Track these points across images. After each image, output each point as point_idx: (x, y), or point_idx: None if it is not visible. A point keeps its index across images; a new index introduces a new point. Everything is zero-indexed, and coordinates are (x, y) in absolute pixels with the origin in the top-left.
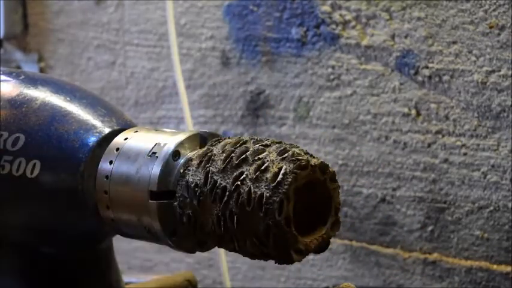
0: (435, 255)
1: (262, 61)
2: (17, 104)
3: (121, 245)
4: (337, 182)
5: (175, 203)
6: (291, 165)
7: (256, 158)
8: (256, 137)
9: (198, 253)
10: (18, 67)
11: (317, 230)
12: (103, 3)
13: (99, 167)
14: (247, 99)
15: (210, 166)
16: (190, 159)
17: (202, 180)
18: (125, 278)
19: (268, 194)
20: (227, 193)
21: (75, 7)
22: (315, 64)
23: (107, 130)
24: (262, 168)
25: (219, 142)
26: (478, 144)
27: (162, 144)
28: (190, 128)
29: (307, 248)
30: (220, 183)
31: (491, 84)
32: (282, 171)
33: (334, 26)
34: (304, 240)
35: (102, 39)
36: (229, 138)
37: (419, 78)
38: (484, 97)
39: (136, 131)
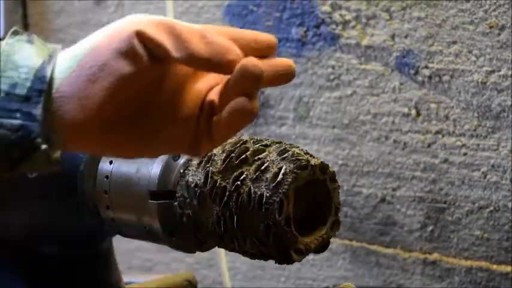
0: (435, 255)
1: None
2: None
3: (121, 245)
4: (337, 182)
5: (175, 203)
6: (291, 165)
7: (256, 158)
8: (256, 137)
9: (198, 253)
10: None
11: (317, 230)
12: (103, 3)
13: (99, 167)
14: None
15: (210, 166)
16: (190, 159)
17: (202, 180)
18: (125, 278)
19: (268, 194)
20: (227, 193)
21: (76, 7)
22: (315, 64)
23: None
24: (262, 168)
25: None
26: (478, 144)
27: None
28: None
29: (307, 248)
30: (220, 183)
31: (491, 84)
32: (282, 171)
33: (334, 26)
34: (304, 240)
35: None
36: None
37: (419, 78)
38: (484, 97)
39: None
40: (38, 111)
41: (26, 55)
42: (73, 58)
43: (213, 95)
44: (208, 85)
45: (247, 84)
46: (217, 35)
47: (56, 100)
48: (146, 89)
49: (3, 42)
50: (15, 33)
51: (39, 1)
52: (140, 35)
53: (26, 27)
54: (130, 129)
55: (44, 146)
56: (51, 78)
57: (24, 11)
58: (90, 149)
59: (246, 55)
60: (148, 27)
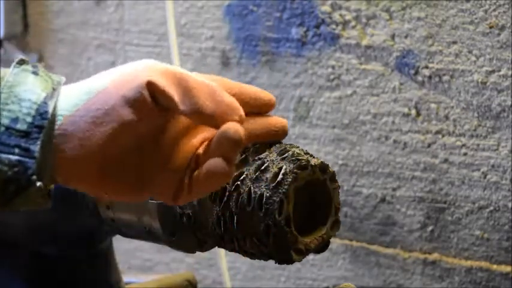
0: (435, 255)
1: (262, 61)
2: None
3: (121, 245)
4: (337, 182)
5: None
6: (291, 165)
7: (256, 158)
8: None
9: (198, 253)
10: None
11: (317, 230)
12: (103, 3)
13: None
14: None
15: None
16: None
17: None
18: (125, 278)
19: (268, 194)
20: (227, 193)
21: (75, 7)
22: (315, 64)
23: None
24: (262, 168)
25: None
26: (478, 144)
27: None
28: None
29: (307, 248)
30: None
31: (491, 84)
32: (282, 171)
33: (334, 26)
34: (304, 240)
35: (102, 39)
36: None
37: (419, 78)
38: (484, 97)
39: None
40: (36, 147)
41: (30, 87)
42: (81, 96)
43: (201, 149)
44: (203, 139)
45: (226, 148)
46: (225, 92)
47: (57, 136)
48: (147, 136)
49: (8, 72)
50: (20, 62)
51: (39, 1)
52: (151, 86)
53: (26, 27)
54: (126, 172)
55: (39, 183)
56: (53, 115)
57: (24, 11)
58: (84, 187)
59: (246, 109)
60: (159, 78)
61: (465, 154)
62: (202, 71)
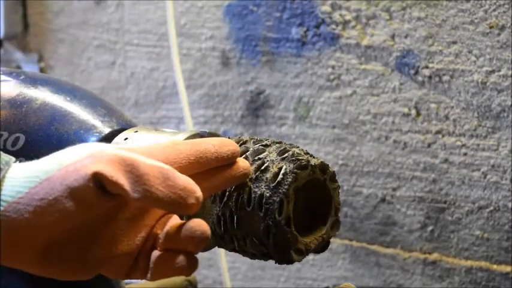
0: (435, 255)
1: (262, 61)
2: (17, 104)
3: None
4: (337, 182)
5: None
6: (291, 165)
7: (256, 158)
8: (256, 137)
9: (198, 253)
10: (18, 67)
11: (317, 230)
12: (103, 3)
13: None
14: (247, 99)
15: None
16: None
17: None
18: None
19: (268, 194)
20: (227, 193)
21: (75, 7)
22: (315, 64)
23: (107, 130)
24: (262, 168)
25: None
26: (478, 144)
27: None
28: (190, 128)
29: (307, 248)
30: None
31: (491, 84)
32: (282, 171)
33: (334, 26)
34: (304, 240)
35: (102, 39)
36: (229, 138)
37: (419, 78)
38: (484, 97)
39: (136, 131)
40: None
41: None
42: (24, 183)
43: (159, 228)
44: (158, 216)
45: (192, 247)
46: (179, 174)
47: None
48: (94, 222)
49: None
50: None
51: (39, 1)
52: (97, 177)
53: (26, 27)
54: (70, 255)
55: None
56: None
57: (24, 11)
58: (25, 269)
59: (208, 167)
60: (107, 167)
61: (465, 154)
62: (202, 71)
